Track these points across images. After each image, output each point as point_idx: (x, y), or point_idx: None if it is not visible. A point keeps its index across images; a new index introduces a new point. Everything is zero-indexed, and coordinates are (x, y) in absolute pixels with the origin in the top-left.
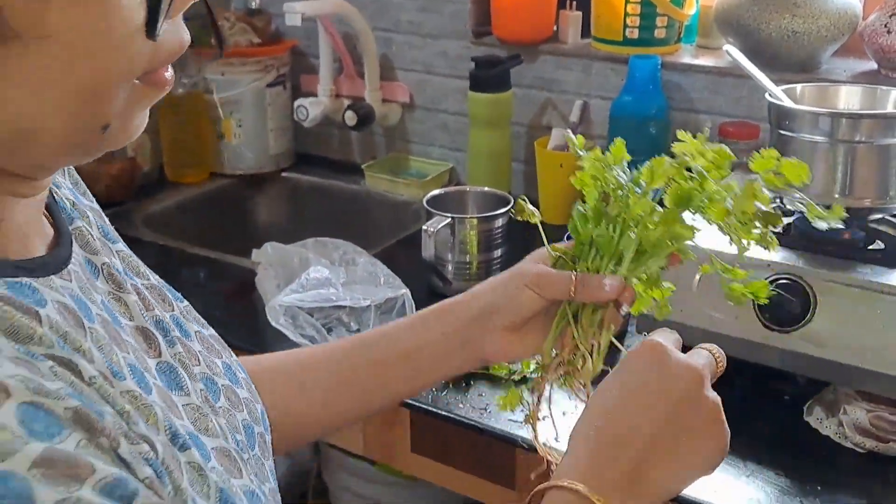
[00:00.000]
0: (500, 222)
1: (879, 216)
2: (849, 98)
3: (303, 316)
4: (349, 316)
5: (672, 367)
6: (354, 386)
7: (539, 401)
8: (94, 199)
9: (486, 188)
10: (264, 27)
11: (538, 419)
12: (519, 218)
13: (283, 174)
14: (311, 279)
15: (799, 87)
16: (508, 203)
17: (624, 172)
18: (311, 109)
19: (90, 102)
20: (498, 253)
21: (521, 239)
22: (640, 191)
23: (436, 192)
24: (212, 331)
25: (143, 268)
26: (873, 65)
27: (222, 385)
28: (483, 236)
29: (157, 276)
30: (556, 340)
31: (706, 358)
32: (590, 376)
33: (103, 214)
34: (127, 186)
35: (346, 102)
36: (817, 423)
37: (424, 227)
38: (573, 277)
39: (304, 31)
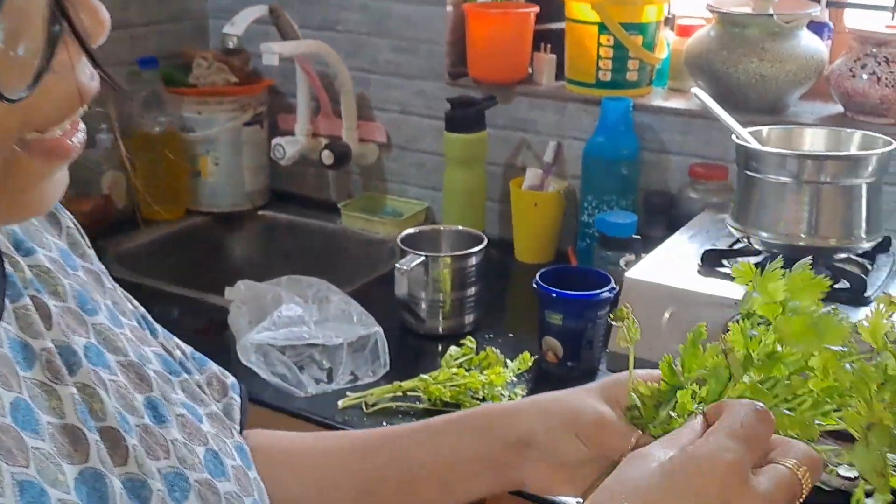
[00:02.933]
0: (473, 261)
1: (844, 255)
2: (814, 140)
3: (274, 354)
4: (321, 354)
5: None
6: (378, 498)
7: None
8: (93, 260)
9: (461, 227)
10: (241, 67)
11: None
12: (616, 324)
13: (259, 212)
14: (283, 317)
15: (765, 129)
16: (482, 241)
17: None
18: (288, 148)
19: None
20: (472, 291)
21: (494, 277)
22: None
23: (410, 230)
24: (212, 408)
25: (125, 342)
26: (840, 108)
27: (196, 480)
28: (456, 274)
29: (147, 350)
30: None
31: (788, 487)
32: None
33: (102, 277)
34: (100, 223)
35: (324, 141)
36: None
37: (398, 266)
38: (632, 441)
39: (281, 70)
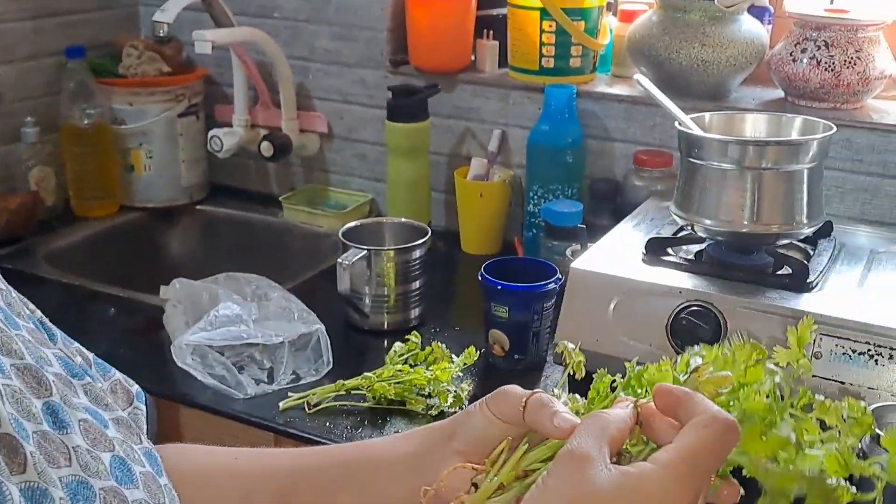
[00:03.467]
0: (417, 253)
1: (787, 241)
2: (755, 125)
3: (212, 355)
4: (262, 353)
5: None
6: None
7: None
8: None
9: (404, 219)
10: (174, 56)
11: None
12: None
13: (198, 207)
14: (220, 316)
15: (707, 115)
16: (426, 234)
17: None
18: (226, 140)
19: None
20: (416, 285)
21: (440, 270)
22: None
23: (352, 224)
24: (118, 413)
25: (20, 344)
26: (780, 93)
27: (101, 488)
28: (400, 268)
29: (47, 352)
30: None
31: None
32: None
33: None
34: (28, 221)
35: (263, 133)
36: None
37: (339, 261)
38: (523, 401)
39: (217, 59)
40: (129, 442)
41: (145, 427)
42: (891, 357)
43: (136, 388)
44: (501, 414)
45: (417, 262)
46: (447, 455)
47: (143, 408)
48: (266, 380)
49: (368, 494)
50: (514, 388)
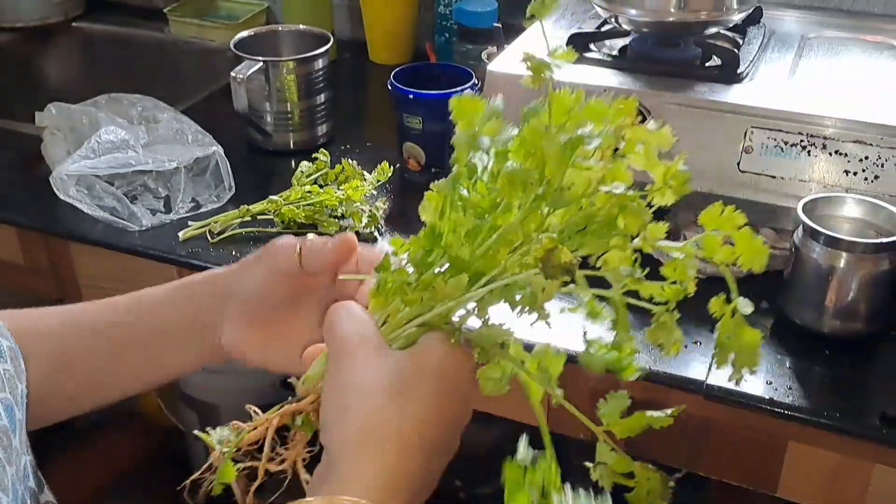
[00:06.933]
0: (320, 63)
1: (715, 30)
2: None
3: (100, 185)
4: (155, 181)
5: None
6: (120, 370)
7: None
8: None
9: (302, 26)
10: None
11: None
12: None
13: (74, 24)
14: (103, 142)
15: None
16: (328, 41)
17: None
18: None
19: None
20: (321, 98)
21: (347, 82)
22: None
23: (244, 33)
24: None
25: None
26: None
27: None
28: (302, 81)
29: None
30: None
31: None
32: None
33: None
34: None
35: None
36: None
37: (233, 75)
38: (300, 241)
39: None
40: None
41: None
42: (823, 147)
43: None
44: (278, 266)
45: (321, 73)
46: (228, 316)
47: None
48: (163, 209)
49: (153, 355)
50: (287, 238)
